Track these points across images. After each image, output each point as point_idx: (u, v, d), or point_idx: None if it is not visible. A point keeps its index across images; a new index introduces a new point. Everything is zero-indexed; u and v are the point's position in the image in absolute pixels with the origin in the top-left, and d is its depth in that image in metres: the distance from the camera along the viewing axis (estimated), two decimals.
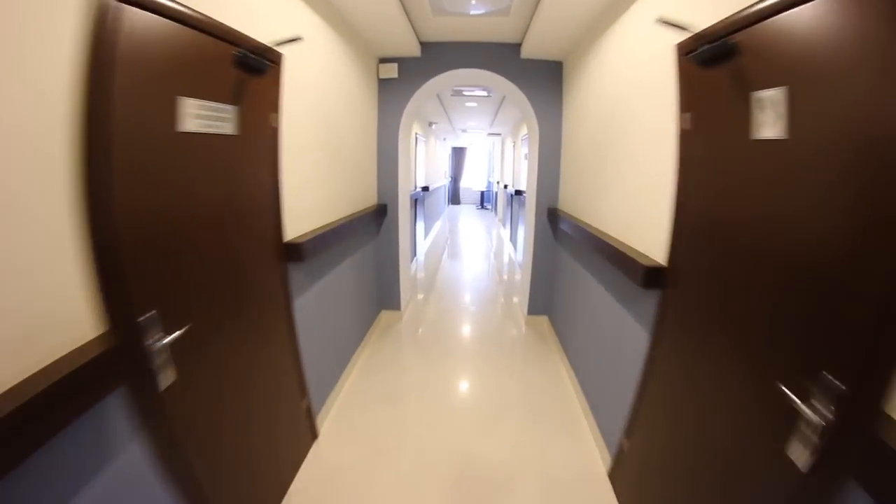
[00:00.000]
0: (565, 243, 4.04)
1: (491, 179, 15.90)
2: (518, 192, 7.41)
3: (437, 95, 6.47)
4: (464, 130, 12.14)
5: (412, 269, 6.35)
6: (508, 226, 9.37)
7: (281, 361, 2.25)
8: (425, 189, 7.96)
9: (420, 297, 5.58)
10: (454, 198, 17.91)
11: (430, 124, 9.34)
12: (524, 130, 7.29)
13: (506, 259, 7.95)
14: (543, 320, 4.68)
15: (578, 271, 3.56)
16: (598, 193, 3.01)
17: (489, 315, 5.01)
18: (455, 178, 17.79)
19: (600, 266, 2.94)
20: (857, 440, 0.97)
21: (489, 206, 16.61)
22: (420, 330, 4.58)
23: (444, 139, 13.69)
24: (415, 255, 7.29)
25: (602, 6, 2.77)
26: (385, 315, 4.78)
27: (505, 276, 6.71)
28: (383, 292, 4.74)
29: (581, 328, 3.40)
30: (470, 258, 8.06)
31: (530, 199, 4.74)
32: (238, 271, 1.84)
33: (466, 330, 4.62)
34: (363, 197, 4.02)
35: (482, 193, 17.24)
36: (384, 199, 4.54)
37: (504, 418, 3.06)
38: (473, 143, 16.65)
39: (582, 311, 3.39)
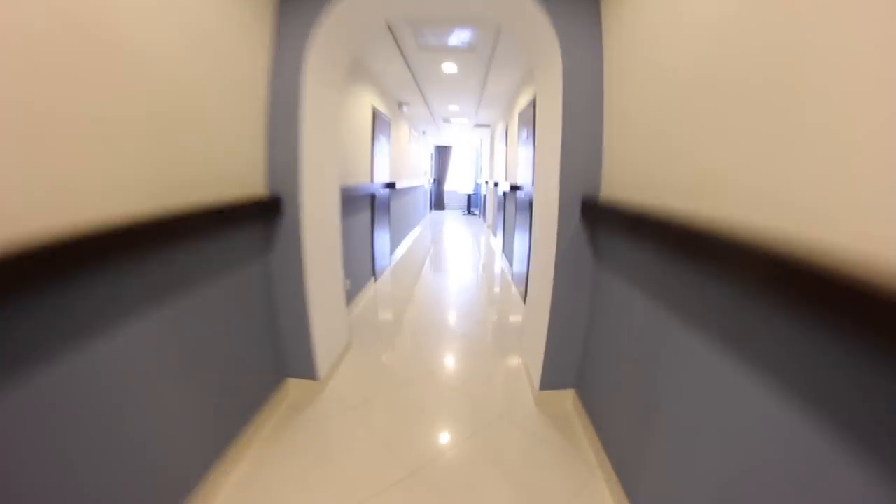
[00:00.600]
0: (625, 264, 2.08)
1: (479, 181, 14.01)
2: (514, 188, 5.43)
3: (399, 47, 4.48)
4: (446, 121, 10.18)
5: (352, 304, 4.33)
6: (500, 234, 7.33)
7: None
8: (390, 186, 5.95)
9: (366, 350, 3.55)
10: (438, 202, 15.94)
11: (401, 105, 7.35)
12: (522, 102, 5.32)
13: (498, 276, 5.93)
14: (567, 398, 2.70)
15: (668, 324, 1.64)
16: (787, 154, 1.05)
17: (476, 393, 2.99)
18: (439, 181, 15.83)
19: (763, 315, 1.14)
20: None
21: (476, 212, 14.68)
22: (350, 417, 2.56)
23: (424, 132, 11.72)
24: (373, 275, 5.27)
25: None
26: (294, 386, 2.77)
27: (495, 317, 4.68)
28: (287, 349, 2.74)
29: (671, 437, 1.57)
30: (455, 281, 6.02)
31: (545, 191, 2.77)
32: None
33: (439, 420, 2.61)
34: (219, 177, 2.02)
35: (469, 197, 15.31)
36: (277, 187, 2.53)
37: None
38: (459, 140, 14.73)
39: (679, 404, 1.53)
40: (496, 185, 7.64)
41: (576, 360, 2.62)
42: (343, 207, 3.56)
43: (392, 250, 6.47)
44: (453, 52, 4.88)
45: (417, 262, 6.64)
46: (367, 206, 4.92)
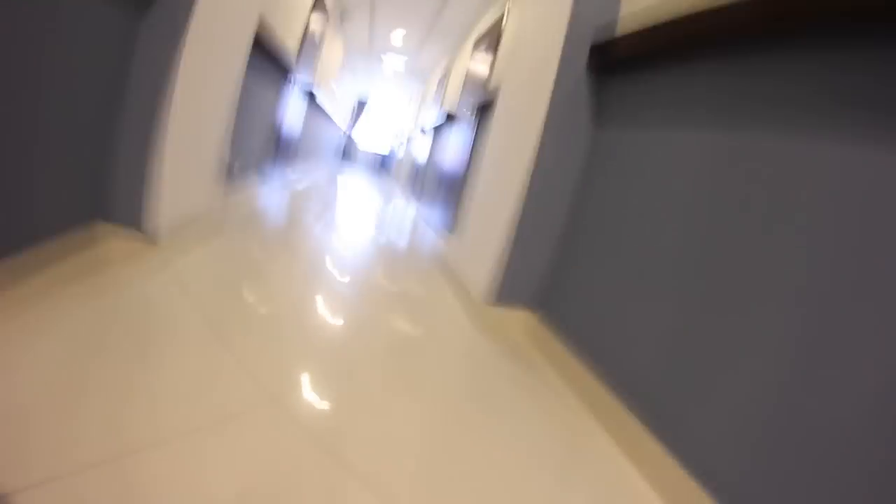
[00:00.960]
0: (668, 105, 1.59)
1: (397, 144, 13.28)
2: (450, 117, 4.78)
3: None
4: (380, 59, 9.38)
5: (233, 192, 3.45)
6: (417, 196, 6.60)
7: None
8: (310, 95, 5.08)
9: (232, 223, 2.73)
10: (347, 155, 14.94)
11: (342, 15, 6.48)
12: (481, 28, 4.74)
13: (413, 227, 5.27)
14: (521, 321, 2.08)
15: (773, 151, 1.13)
16: None
17: (402, 294, 2.32)
18: (353, 137, 14.87)
19: None
20: None
21: (384, 173, 13.98)
22: (190, 303, 1.70)
23: (354, 71, 10.79)
24: (263, 177, 4.38)
25: None
26: (108, 237, 1.79)
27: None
28: (110, 174, 1.77)
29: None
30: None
31: (535, 46, 2.21)
32: None
33: (333, 318, 1.90)
34: None
35: (382, 158, 14.52)
36: None
37: None
38: (383, 95, 13.89)
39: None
40: (422, 131, 6.97)
41: (541, 270, 2.03)
42: (254, 63, 2.71)
43: (293, 171, 5.55)
44: None
45: (321, 195, 5.77)
46: (275, 86, 4.00)
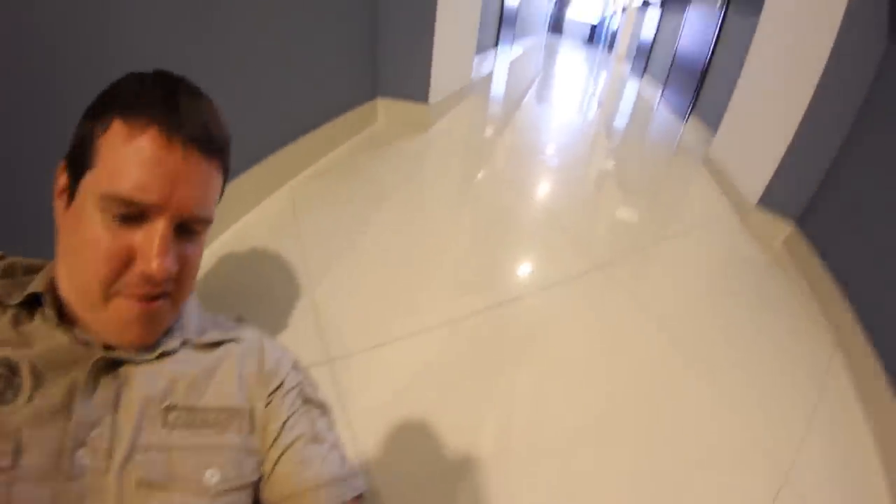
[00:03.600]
0: None
1: (608, 14, 12.13)
2: None
3: None
4: None
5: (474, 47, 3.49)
6: (642, 74, 5.94)
7: None
8: None
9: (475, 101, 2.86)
10: (556, 26, 14.10)
11: None
12: None
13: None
14: (785, 228, 1.92)
15: None
16: None
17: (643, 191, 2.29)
18: (561, 2, 13.86)
19: None
20: None
21: (599, 44, 12.98)
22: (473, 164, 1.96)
23: None
24: (496, 47, 4.40)
25: None
26: (385, 107, 2.09)
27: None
28: (387, 51, 2.00)
29: None
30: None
31: None
32: None
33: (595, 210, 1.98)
34: None
35: (592, 28, 13.47)
36: None
37: None
38: None
39: None
40: (645, 3, 6.21)
41: (813, 182, 1.83)
42: None
43: (512, 41, 5.43)
44: None
45: (538, 63, 5.62)
46: None
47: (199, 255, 0.50)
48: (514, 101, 3.06)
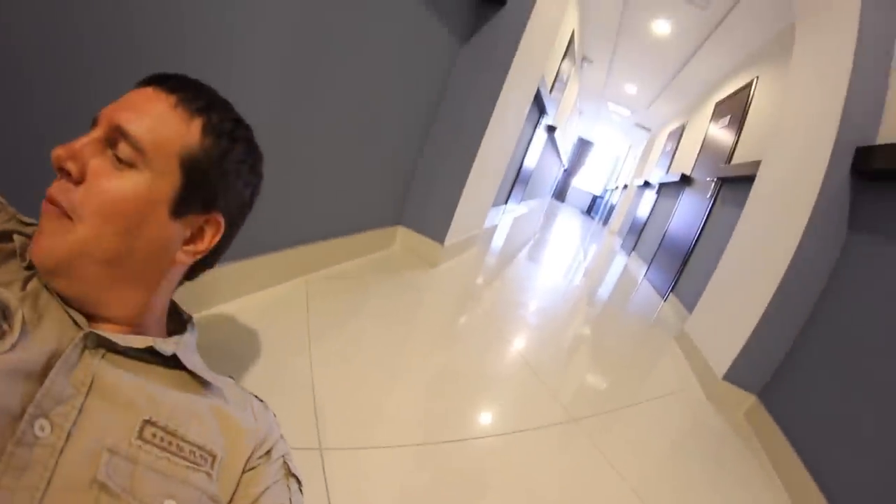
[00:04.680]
0: None
1: (609, 188, 13.20)
2: (685, 179, 4.72)
3: None
4: (607, 107, 9.53)
5: (489, 201, 3.86)
6: (631, 251, 6.45)
7: None
8: (551, 130, 5.45)
9: (474, 253, 3.12)
10: (560, 194, 15.26)
11: (583, 61, 6.81)
12: (727, 90, 4.60)
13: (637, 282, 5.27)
14: (748, 401, 2.06)
15: None
16: None
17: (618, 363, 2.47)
18: (569, 172, 15.13)
19: None
20: None
21: (595, 217, 13.89)
22: (471, 304, 2.15)
23: (581, 112, 11.09)
24: (505, 203, 4.82)
25: None
26: (404, 236, 2.35)
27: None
28: (419, 188, 2.28)
29: None
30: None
31: (797, 146, 2.19)
32: None
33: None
34: None
35: (594, 198, 14.53)
36: None
37: None
38: (604, 138, 13.99)
39: None
40: (647, 184, 6.89)
41: (776, 360, 2.03)
42: None
43: (520, 200, 5.94)
44: (677, 7, 4.28)
45: (540, 224, 6.08)
46: (533, 121, 4.36)
47: (121, 192, 0.47)
48: (509, 256, 3.33)
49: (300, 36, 1.15)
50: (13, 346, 0.39)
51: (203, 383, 0.55)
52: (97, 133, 0.47)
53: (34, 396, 0.38)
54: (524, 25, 2.05)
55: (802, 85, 2.34)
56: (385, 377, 1.33)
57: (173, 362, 0.52)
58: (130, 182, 0.47)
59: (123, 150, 0.47)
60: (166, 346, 0.50)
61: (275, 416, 0.65)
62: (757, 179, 2.55)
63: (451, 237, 2.31)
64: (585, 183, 15.50)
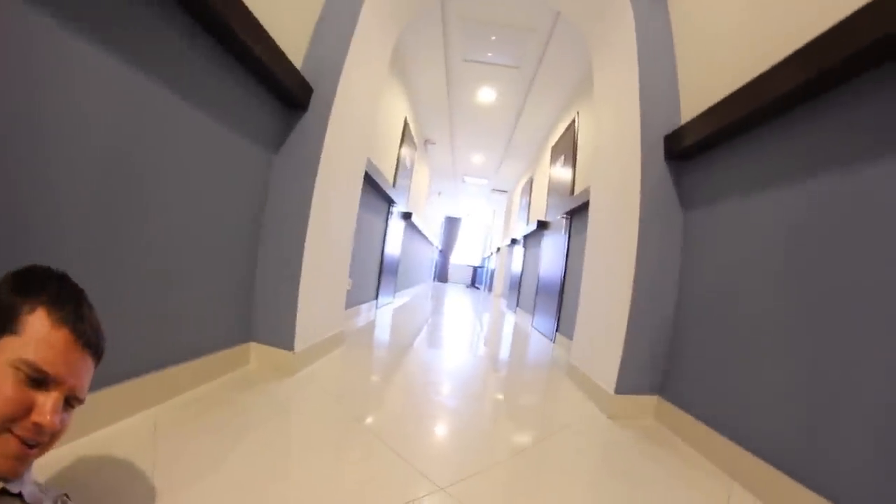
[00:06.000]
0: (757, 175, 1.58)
1: (486, 256, 13.63)
2: (542, 224, 4.92)
3: (444, 49, 4.21)
4: (463, 181, 9.99)
5: (351, 310, 3.67)
6: (515, 307, 6.60)
7: None
8: (407, 216, 5.47)
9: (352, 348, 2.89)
10: (441, 275, 15.44)
11: (426, 143, 7.09)
12: (557, 134, 4.98)
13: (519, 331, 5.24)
14: (649, 404, 2.01)
15: None
16: None
17: (515, 405, 2.31)
18: (444, 252, 15.44)
19: None
20: None
21: (479, 287, 14.14)
22: (335, 408, 1.83)
23: (440, 193, 11.48)
24: (376, 299, 4.64)
25: None
26: (257, 351, 2.08)
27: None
28: (260, 301, 2.08)
29: None
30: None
31: (616, 147, 2.31)
32: None
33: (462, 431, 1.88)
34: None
35: (475, 269, 14.86)
36: (312, 76, 2.12)
37: None
38: (470, 210, 14.63)
39: None
40: (514, 241, 7.14)
41: (661, 354, 2.00)
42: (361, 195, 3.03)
43: (394, 292, 5.81)
44: (495, 73, 4.63)
45: (424, 309, 5.96)
46: (382, 215, 4.40)
47: (69, 423, 0.68)
48: (402, 346, 3.11)
49: (110, 177, 1.19)
50: None
51: None
52: (60, 397, 0.64)
53: None
54: (325, 126, 2.08)
55: (606, 101, 2.53)
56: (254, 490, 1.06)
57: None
58: (71, 416, 0.70)
59: (75, 403, 0.69)
60: (14, 486, 0.62)
61: None
62: (591, 200, 2.63)
63: (302, 342, 2.09)
64: (463, 258, 15.90)
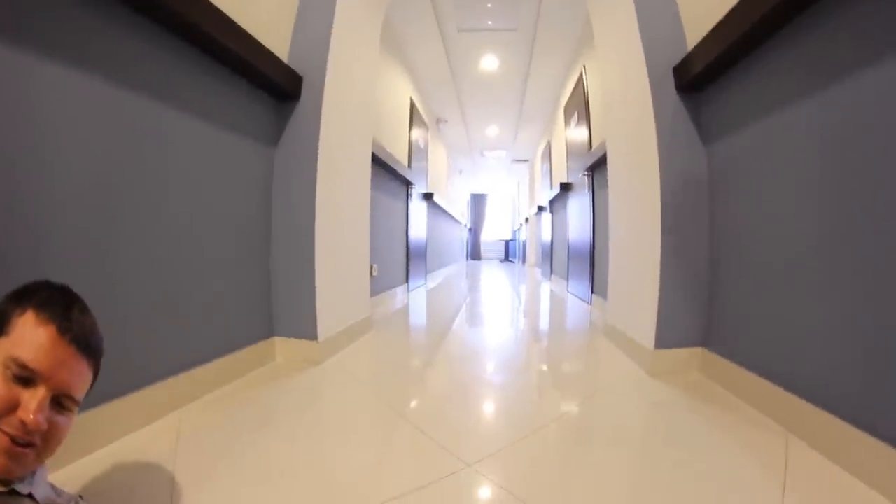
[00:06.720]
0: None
1: (516, 228, 13.46)
2: (565, 186, 4.77)
3: (439, 27, 4.09)
4: (482, 155, 9.85)
5: (379, 297, 3.64)
6: (550, 275, 6.46)
7: None
8: (428, 197, 5.41)
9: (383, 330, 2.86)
10: (474, 253, 15.38)
11: (439, 122, 6.99)
12: (567, 92, 4.80)
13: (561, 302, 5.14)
14: (693, 357, 1.89)
15: None
16: None
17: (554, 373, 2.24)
18: (474, 230, 15.35)
19: None
20: None
21: (514, 260, 14.01)
22: (361, 392, 1.81)
23: (461, 171, 11.37)
24: (406, 282, 4.61)
25: None
26: (282, 346, 2.08)
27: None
28: (279, 294, 2.07)
29: None
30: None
31: (623, 85, 2.17)
32: None
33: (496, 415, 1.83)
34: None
35: (506, 243, 14.72)
36: (299, 64, 2.09)
37: None
38: (495, 185, 14.48)
39: None
40: (540, 208, 7.01)
41: (700, 302, 1.88)
42: (373, 179, 2.98)
43: (426, 274, 5.78)
44: (493, 39, 4.49)
45: (460, 288, 5.90)
46: (401, 199, 4.35)
47: (67, 427, 0.68)
48: (434, 328, 3.07)
49: (110, 195, 1.22)
50: None
51: None
52: (46, 394, 0.64)
53: None
54: (319, 112, 2.04)
55: (608, 44, 2.39)
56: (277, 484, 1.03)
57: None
58: (70, 420, 0.70)
59: (67, 403, 0.68)
60: (24, 486, 0.64)
61: None
62: (608, 151, 2.51)
63: (325, 331, 2.08)
64: (494, 233, 15.75)
